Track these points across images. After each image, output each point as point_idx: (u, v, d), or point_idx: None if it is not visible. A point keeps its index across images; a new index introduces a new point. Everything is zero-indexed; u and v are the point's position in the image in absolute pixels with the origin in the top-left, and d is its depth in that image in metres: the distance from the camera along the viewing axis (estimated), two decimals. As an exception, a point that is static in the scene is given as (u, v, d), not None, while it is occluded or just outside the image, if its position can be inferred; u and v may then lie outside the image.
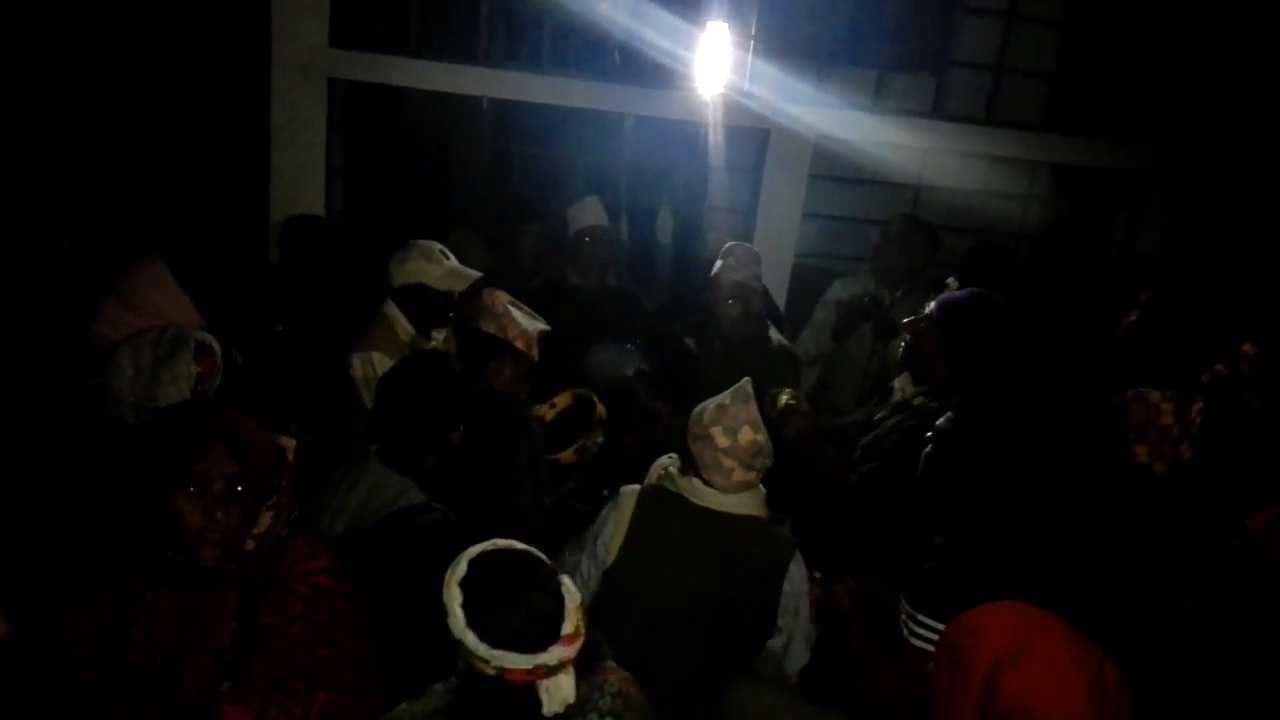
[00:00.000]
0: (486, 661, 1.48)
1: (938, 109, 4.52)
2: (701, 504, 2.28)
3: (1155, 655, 1.81)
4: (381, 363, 2.95)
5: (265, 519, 1.81)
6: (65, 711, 1.71)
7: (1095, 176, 4.74)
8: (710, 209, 4.87)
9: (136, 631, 1.74)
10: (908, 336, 2.82)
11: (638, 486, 2.39)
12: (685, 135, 4.49)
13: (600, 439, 2.93)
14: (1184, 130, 4.46)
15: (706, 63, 3.91)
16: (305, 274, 3.53)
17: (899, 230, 3.85)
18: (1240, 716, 1.82)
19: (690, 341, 3.45)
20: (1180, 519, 2.17)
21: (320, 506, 2.28)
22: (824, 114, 4.20)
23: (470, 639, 1.48)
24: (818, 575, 2.36)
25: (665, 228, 5.29)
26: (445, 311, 3.17)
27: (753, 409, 2.30)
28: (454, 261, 3.18)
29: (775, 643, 2.32)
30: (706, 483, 2.28)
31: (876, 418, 2.86)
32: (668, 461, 2.45)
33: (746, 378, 2.37)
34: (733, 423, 2.25)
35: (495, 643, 1.48)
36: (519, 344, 2.74)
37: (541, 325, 2.84)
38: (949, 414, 2.24)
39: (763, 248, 3.84)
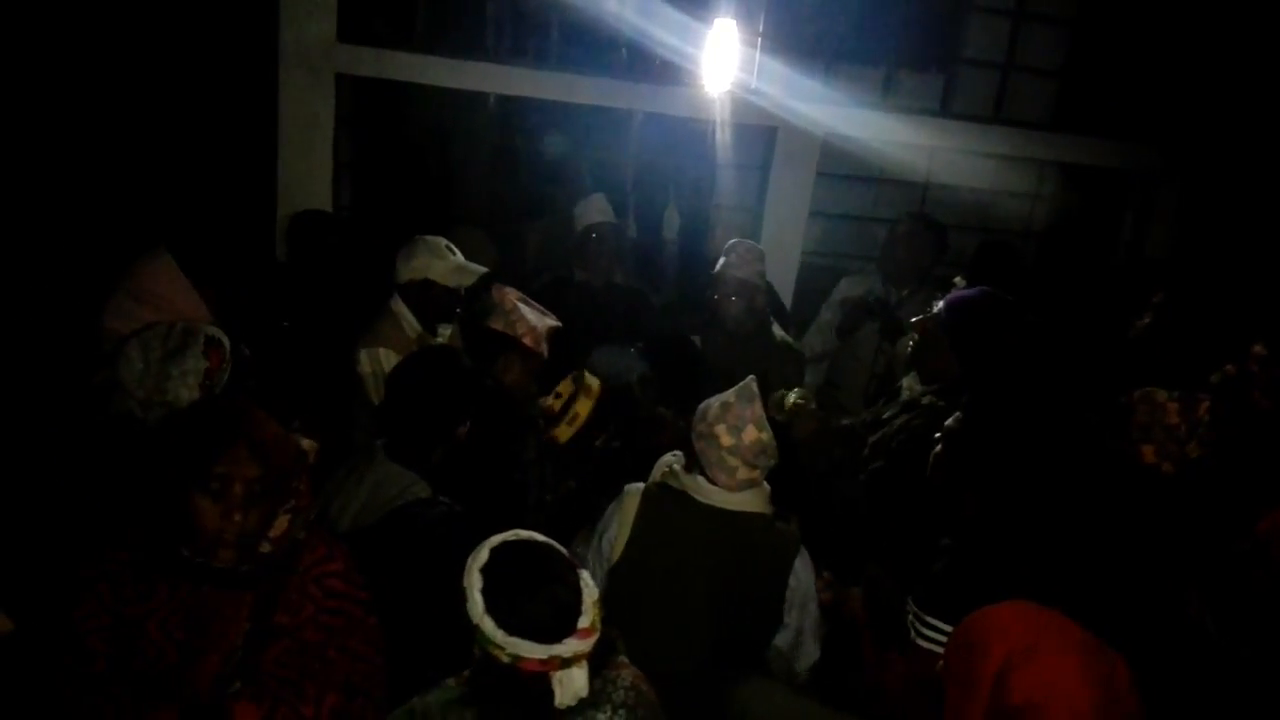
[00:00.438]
0: (502, 648, 1.49)
1: (946, 107, 4.51)
2: (706, 501, 2.28)
3: (1162, 656, 1.81)
4: (388, 358, 2.95)
5: (282, 522, 1.81)
6: (75, 701, 1.71)
7: (1103, 176, 4.73)
8: (717, 206, 4.87)
9: (151, 626, 1.74)
10: (916, 335, 2.81)
11: (642, 484, 2.39)
12: (692, 132, 4.48)
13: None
14: (1192, 130, 4.45)
15: (714, 60, 3.90)
16: (312, 269, 3.54)
17: (906, 229, 3.83)
18: (1248, 718, 1.81)
19: (696, 339, 3.44)
20: (1188, 519, 2.17)
21: (326, 501, 2.28)
22: (832, 112, 4.20)
23: (488, 624, 1.50)
24: (826, 575, 2.36)
25: (672, 225, 5.29)
26: (451, 307, 3.18)
27: (757, 407, 2.29)
28: (460, 257, 3.18)
29: (783, 639, 2.31)
30: (711, 480, 2.28)
31: (884, 417, 2.85)
32: (672, 459, 2.44)
33: (751, 376, 2.36)
34: (737, 421, 2.24)
35: (512, 630, 1.50)
36: (527, 340, 2.74)
37: (552, 321, 2.83)
38: (957, 414, 2.23)
39: (770, 246, 3.84)
